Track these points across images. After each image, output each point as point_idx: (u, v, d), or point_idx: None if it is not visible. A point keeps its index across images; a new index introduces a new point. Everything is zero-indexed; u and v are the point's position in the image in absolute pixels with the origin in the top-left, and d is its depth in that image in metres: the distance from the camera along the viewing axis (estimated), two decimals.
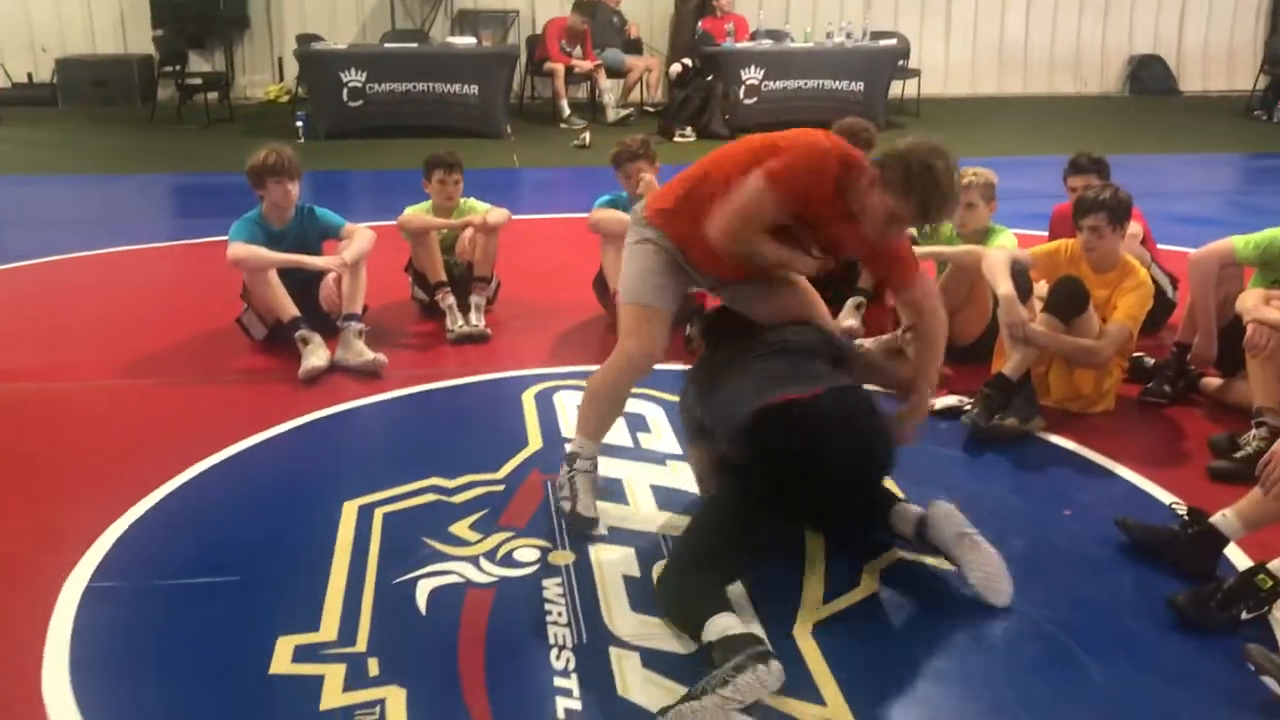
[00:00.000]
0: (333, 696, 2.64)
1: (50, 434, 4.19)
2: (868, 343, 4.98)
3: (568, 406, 4.35)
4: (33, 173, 9.39)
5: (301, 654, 2.80)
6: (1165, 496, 3.65)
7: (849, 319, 5.26)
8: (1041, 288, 4.49)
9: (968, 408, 4.30)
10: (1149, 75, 14.60)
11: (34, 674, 2.72)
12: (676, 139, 10.78)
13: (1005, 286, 4.25)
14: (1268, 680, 2.62)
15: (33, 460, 3.95)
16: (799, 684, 2.69)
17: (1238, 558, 3.20)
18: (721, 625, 2.68)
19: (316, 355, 4.69)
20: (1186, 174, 9.90)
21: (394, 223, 5.39)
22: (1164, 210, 7.29)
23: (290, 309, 4.81)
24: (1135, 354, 4.64)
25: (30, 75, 12.66)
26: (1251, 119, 12.68)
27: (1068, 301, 4.18)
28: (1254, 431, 3.83)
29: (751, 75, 11.24)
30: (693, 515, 3.25)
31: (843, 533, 3.30)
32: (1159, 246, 5.37)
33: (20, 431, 4.22)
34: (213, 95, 11.86)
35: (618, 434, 3.92)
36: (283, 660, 2.77)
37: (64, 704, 2.61)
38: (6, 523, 3.48)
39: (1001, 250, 4.52)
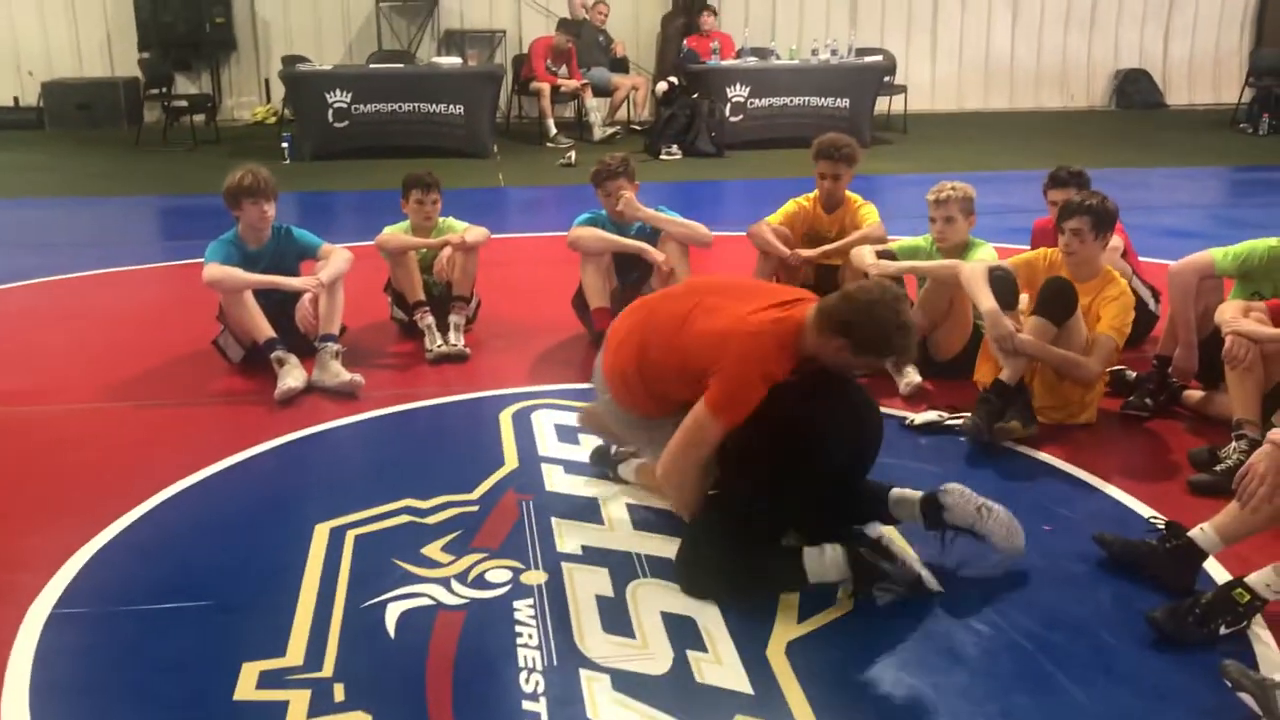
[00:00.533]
0: None
1: (22, 457, 4.15)
2: None
3: (545, 426, 4.32)
4: (18, 196, 9.36)
5: (266, 679, 2.75)
6: (1146, 511, 3.62)
7: None
8: (1025, 300, 4.47)
9: (949, 422, 4.28)
10: (1135, 89, 14.67)
11: None
12: (663, 157, 10.78)
13: (988, 301, 4.23)
14: (1244, 697, 2.58)
15: (5, 484, 3.91)
16: (770, 703, 2.65)
17: (1217, 572, 3.17)
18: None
19: (292, 376, 4.66)
20: (1172, 187, 9.92)
21: (370, 241, 5.36)
22: (1150, 223, 7.31)
23: (266, 330, 4.78)
24: (1117, 367, 4.62)
25: (16, 99, 12.67)
26: (1237, 132, 12.72)
27: (1059, 302, 4.15)
28: (1234, 445, 3.81)
29: (737, 93, 11.26)
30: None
31: (827, 533, 3.26)
32: (1141, 259, 5.36)
33: None
34: (199, 117, 11.87)
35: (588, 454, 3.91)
36: (247, 687, 2.73)
37: None
38: None
39: (979, 263, 4.50)
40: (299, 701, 2.67)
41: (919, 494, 3.30)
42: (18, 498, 3.80)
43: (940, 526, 3.26)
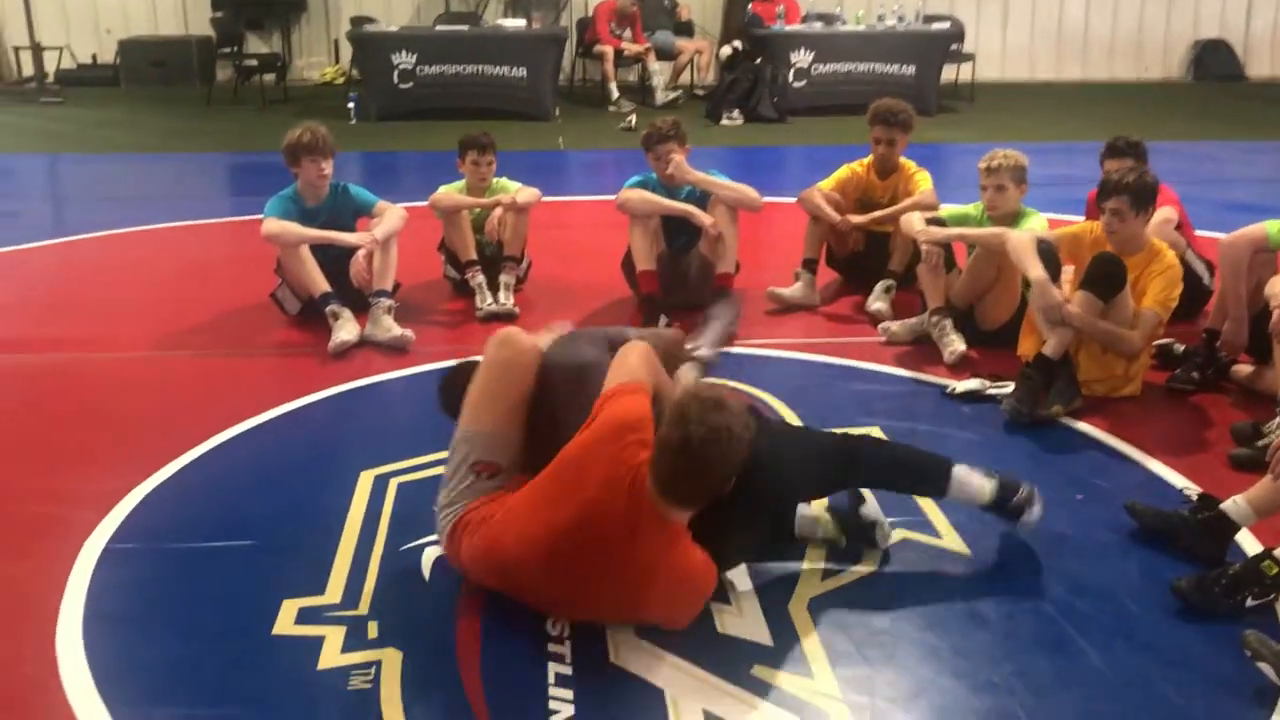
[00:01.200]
0: (331, 657, 2.71)
1: (85, 401, 4.32)
2: (895, 325, 4.96)
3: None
4: (94, 151, 9.62)
5: (305, 616, 2.87)
6: (1181, 483, 3.60)
7: (878, 302, 5.24)
8: (1068, 271, 4.44)
9: (991, 391, 4.28)
10: (1214, 60, 14.29)
11: (49, 627, 2.82)
12: (724, 122, 10.76)
13: (1037, 270, 4.20)
14: (1264, 667, 2.58)
15: (65, 425, 4.08)
16: (789, 658, 2.71)
17: (1249, 545, 3.15)
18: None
19: (346, 329, 4.78)
20: (1245, 161, 9.68)
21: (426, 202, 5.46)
22: (1218, 197, 7.16)
23: (322, 284, 4.90)
24: (1165, 340, 4.58)
25: (94, 56, 12.97)
26: None
27: (1108, 279, 4.11)
28: (1277, 420, 3.76)
29: (801, 58, 11.18)
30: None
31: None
32: (1206, 233, 5.28)
33: (58, 398, 4.36)
34: (269, 76, 12.07)
35: None
36: (286, 622, 2.85)
37: (74, 657, 2.70)
38: (34, 483, 3.61)
39: (1026, 232, 4.47)
40: (334, 637, 2.78)
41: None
42: (79, 439, 3.96)
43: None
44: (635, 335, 3.29)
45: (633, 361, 2.97)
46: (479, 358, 3.13)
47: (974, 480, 3.12)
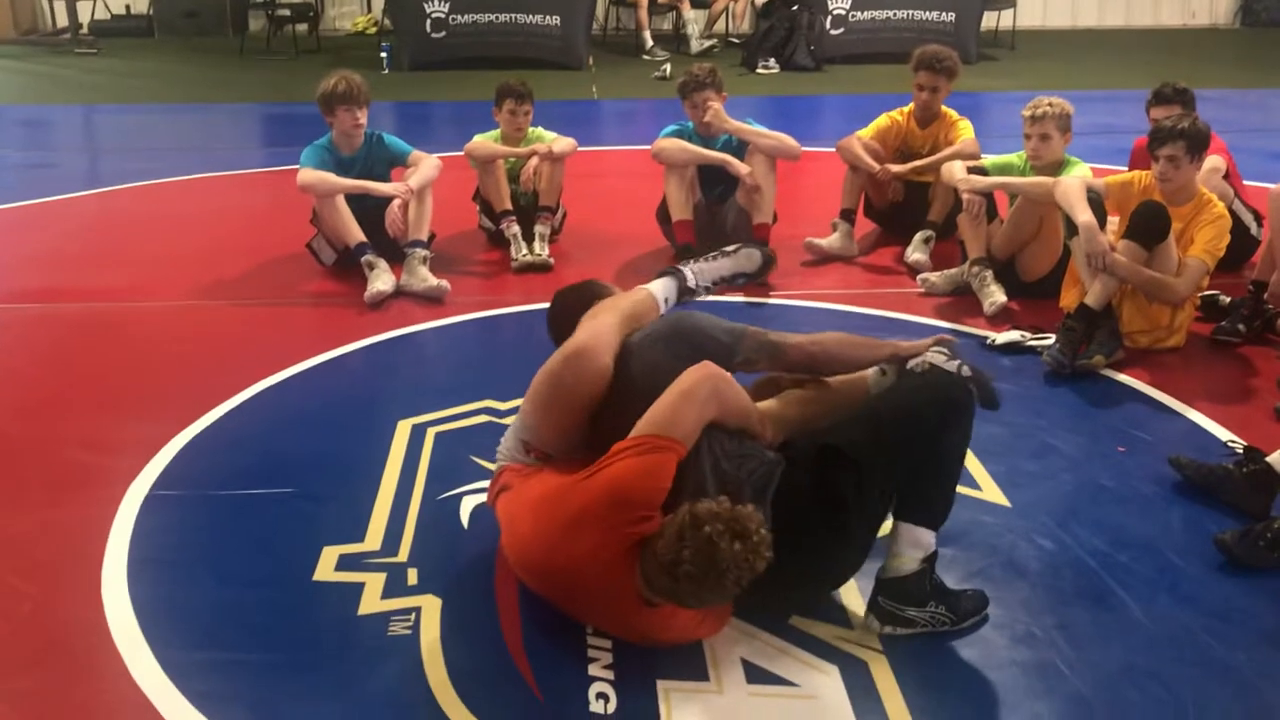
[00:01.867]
0: (371, 602, 2.74)
1: (125, 350, 4.36)
2: (934, 276, 4.91)
3: None
4: (129, 102, 9.63)
5: (345, 563, 2.90)
6: (1226, 436, 3.56)
7: (917, 253, 5.19)
8: (1113, 222, 4.37)
9: (1031, 343, 4.23)
10: (1263, 6, 13.89)
11: (94, 572, 2.86)
12: (759, 70, 10.62)
13: (1085, 215, 4.13)
14: None
15: (107, 374, 4.12)
16: (829, 610, 2.70)
17: None
18: None
19: (382, 280, 4.78)
20: None
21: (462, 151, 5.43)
22: (1269, 147, 7.02)
23: (357, 234, 4.90)
24: (1210, 291, 4.51)
25: (128, 6, 12.93)
26: None
27: (1150, 227, 4.05)
28: None
29: (839, 5, 10.99)
30: None
31: None
32: (1249, 183, 5.18)
33: (98, 347, 4.40)
34: (302, 27, 12.00)
35: None
36: (326, 568, 2.88)
37: (119, 600, 2.75)
38: (78, 430, 3.65)
39: (1076, 178, 4.40)
40: (374, 583, 2.80)
41: None
42: (119, 388, 4.00)
43: None
44: (749, 350, 2.83)
45: (682, 398, 2.51)
46: (585, 284, 3.06)
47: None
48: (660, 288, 3.01)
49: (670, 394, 2.52)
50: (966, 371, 2.71)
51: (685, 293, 3.04)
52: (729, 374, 2.64)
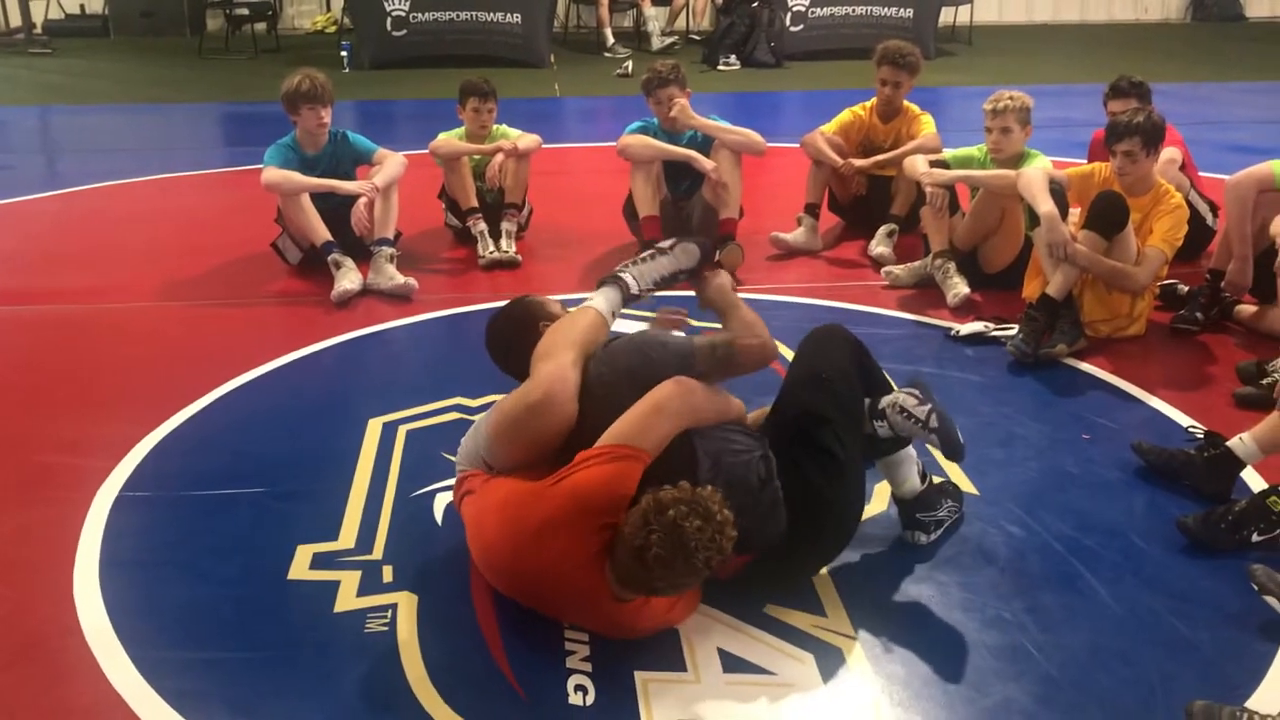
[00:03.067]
0: (347, 600, 2.74)
1: (91, 352, 4.32)
2: (898, 269, 4.96)
3: None
4: (84, 102, 9.52)
5: (319, 561, 2.90)
6: (1187, 422, 3.63)
7: (881, 246, 5.24)
8: (1075, 213, 4.43)
9: (994, 333, 4.29)
10: (1214, 1, 14.15)
11: (66, 573, 2.84)
12: (720, 67, 10.68)
13: (1047, 205, 4.19)
14: (1270, 600, 2.62)
15: (73, 376, 4.08)
16: (802, 596, 2.74)
17: (1255, 483, 3.18)
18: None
19: (349, 278, 4.77)
20: (1245, 102, 9.64)
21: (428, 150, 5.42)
22: (1218, 139, 7.14)
23: (323, 233, 4.88)
24: (1168, 281, 4.59)
25: (82, 6, 12.79)
26: None
27: (1109, 217, 4.11)
28: None
29: (799, 2, 11.07)
30: None
31: None
32: (1204, 174, 5.27)
33: (63, 349, 4.35)
34: (260, 25, 11.92)
35: None
36: (301, 566, 2.87)
37: (92, 601, 2.73)
38: (46, 433, 3.61)
39: (1038, 169, 4.46)
40: (349, 581, 2.80)
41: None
42: (85, 390, 3.96)
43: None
44: (704, 364, 2.82)
45: (654, 411, 2.58)
46: (518, 306, 3.01)
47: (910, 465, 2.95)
48: (605, 302, 2.92)
49: (642, 406, 2.59)
50: (935, 422, 2.74)
51: (630, 299, 3.00)
52: (700, 384, 2.70)
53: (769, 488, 2.62)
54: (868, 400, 2.83)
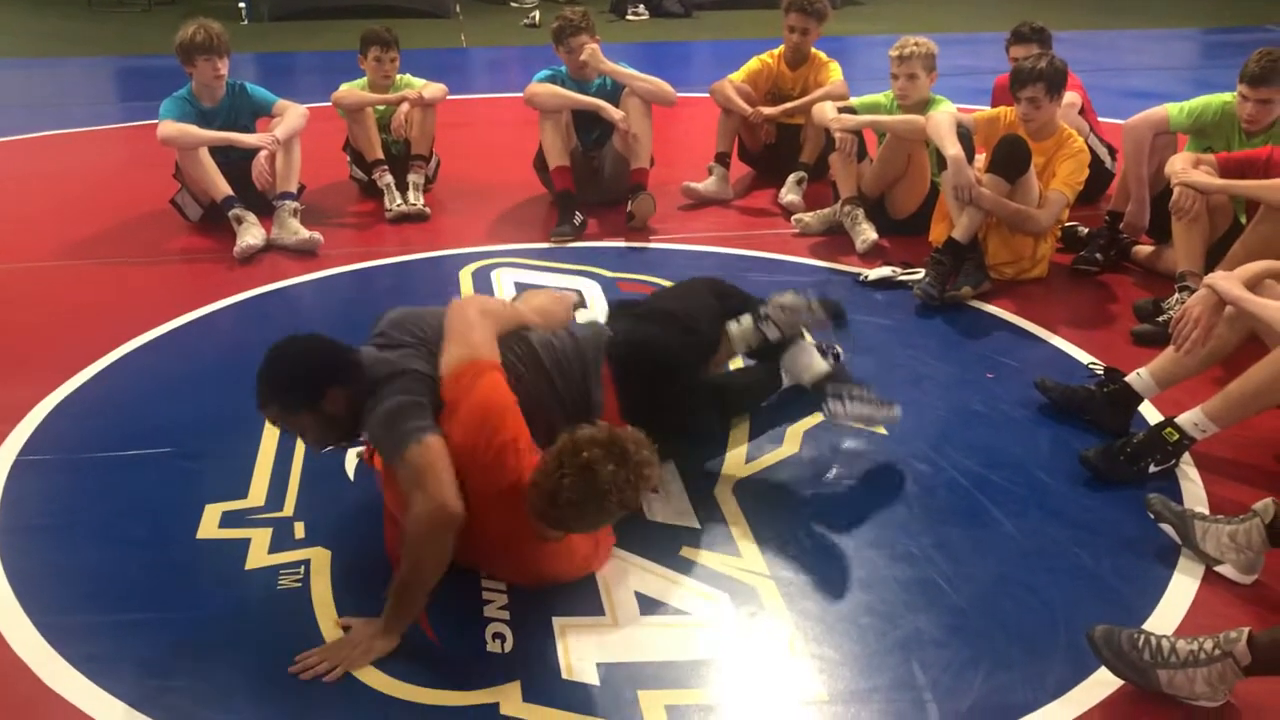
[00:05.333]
0: (258, 557, 2.69)
1: None
2: (807, 217, 4.99)
3: (505, 284, 4.35)
4: None
5: (229, 519, 2.85)
6: (1088, 359, 3.72)
7: (790, 194, 5.27)
8: (980, 158, 4.49)
9: (902, 277, 4.35)
10: None
11: None
12: (629, 17, 10.59)
13: (954, 148, 4.24)
14: (1165, 528, 2.71)
15: None
16: (716, 538, 2.76)
17: (1152, 416, 3.28)
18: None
19: (251, 234, 4.66)
20: (1143, 49, 9.87)
21: (330, 102, 5.30)
22: (1116, 85, 7.29)
23: (224, 188, 4.76)
24: (1069, 223, 4.68)
25: None
26: None
27: (1012, 160, 4.18)
28: (1177, 296, 3.89)
29: None
30: None
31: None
32: (1101, 119, 5.38)
33: None
34: None
35: None
36: (210, 526, 2.82)
37: None
38: None
39: (945, 114, 4.50)
40: (260, 539, 2.76)
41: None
42: None
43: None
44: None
45: (466, 328, 2.61)
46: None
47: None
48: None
49: (452, 333, 2.62)
50: (811, 295, 2.98)
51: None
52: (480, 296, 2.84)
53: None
54: (743, 317, 3.01)
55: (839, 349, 3.53)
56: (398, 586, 2.40)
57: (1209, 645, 2.17)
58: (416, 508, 2.36)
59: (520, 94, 5.20)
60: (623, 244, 4.81)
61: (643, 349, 2.91)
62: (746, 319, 3.01)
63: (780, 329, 2.98)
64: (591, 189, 5.18)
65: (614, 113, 5.02)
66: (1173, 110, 4.34)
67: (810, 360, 3.09)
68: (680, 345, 2.96)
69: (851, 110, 4.98)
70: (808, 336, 3.15)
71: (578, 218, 4.91)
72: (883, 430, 3.26)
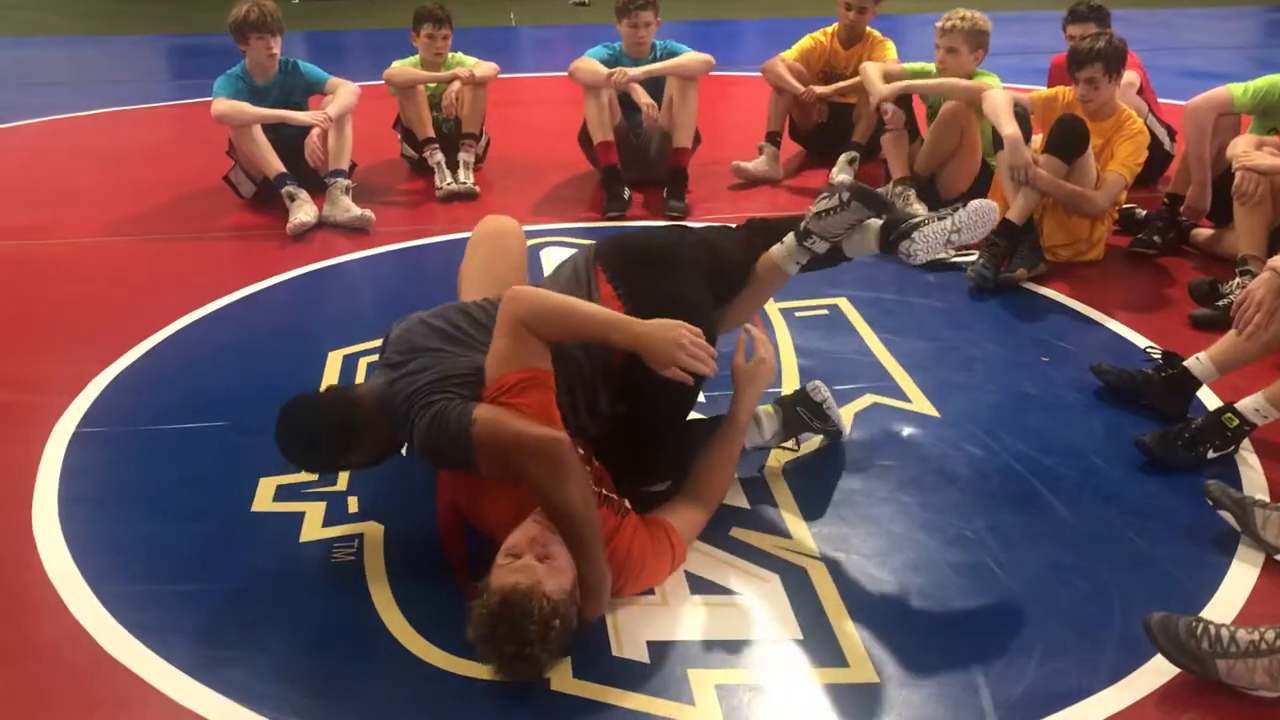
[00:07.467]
0: (312, 530, 2.72)
1: (41, 290, 4.23)
2: None
3: (553, 261, 4.36)
4: (20, 34, 9.25)
5: (283, 493, 2.87)
6: (1144, 343, 3.66)
7: (842, 174, 5.22)
8: (1037, 139, 4.43)
9: (955, 258, 4.30)
10: None
11: (25, 511, 2.80)
12: None
13: (1011, 127, 4.18)
14: (1224, 515, 2.66)
15: (24, 314, 4.00)
16: (767, 520, 2.75)
17: (1210, 401, 3.22)
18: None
19: (304, 211, 4.69)
20: (1203, 28, 9.66)
21: (381, 80, 5.32)
22: (1174, 64, 7.16)
23: (276, 165, 4.79)
24: (1127, 205, 4.61)
25: None
26: None
27: (1070, 141, 4.11)
28: (1237, 280, 3.82)
29: None
30: None
31: None
32: (1160, 100, 5.28)
33: (11, 287, 4.27)
34: None
35: None
36: (264, 499, 2.85)
37: (52, 538, 2.69)
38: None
39: (1002, 92, 4.44)
40: (314, 513, 2.78)
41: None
42: (34, 327, 3.89)
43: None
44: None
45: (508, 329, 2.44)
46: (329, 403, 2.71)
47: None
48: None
49: (500, 339, 2.44)
50: (845, 195, 2.83)
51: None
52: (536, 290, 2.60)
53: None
54: (786, 237, 2.90)
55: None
56: (570, 540, 2.30)
57: (1270, 635, 2.14)
58: (530, 468, 2.27)
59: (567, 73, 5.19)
60: (664, 224, 4.79)
61: (630, 240, 2.87)
62: (790, 238, 2.91)
63: (826, 238, 2.87)
64: (637, 166, 5.16)
65: (642, 96, 4.99)
66: (1236, 91, 4.26)
67: (864, 235, 2.92)
68: (674, 241, 2.90)
69: (910, 73, 4.92)
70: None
71: (626, 193, 4.89)
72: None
